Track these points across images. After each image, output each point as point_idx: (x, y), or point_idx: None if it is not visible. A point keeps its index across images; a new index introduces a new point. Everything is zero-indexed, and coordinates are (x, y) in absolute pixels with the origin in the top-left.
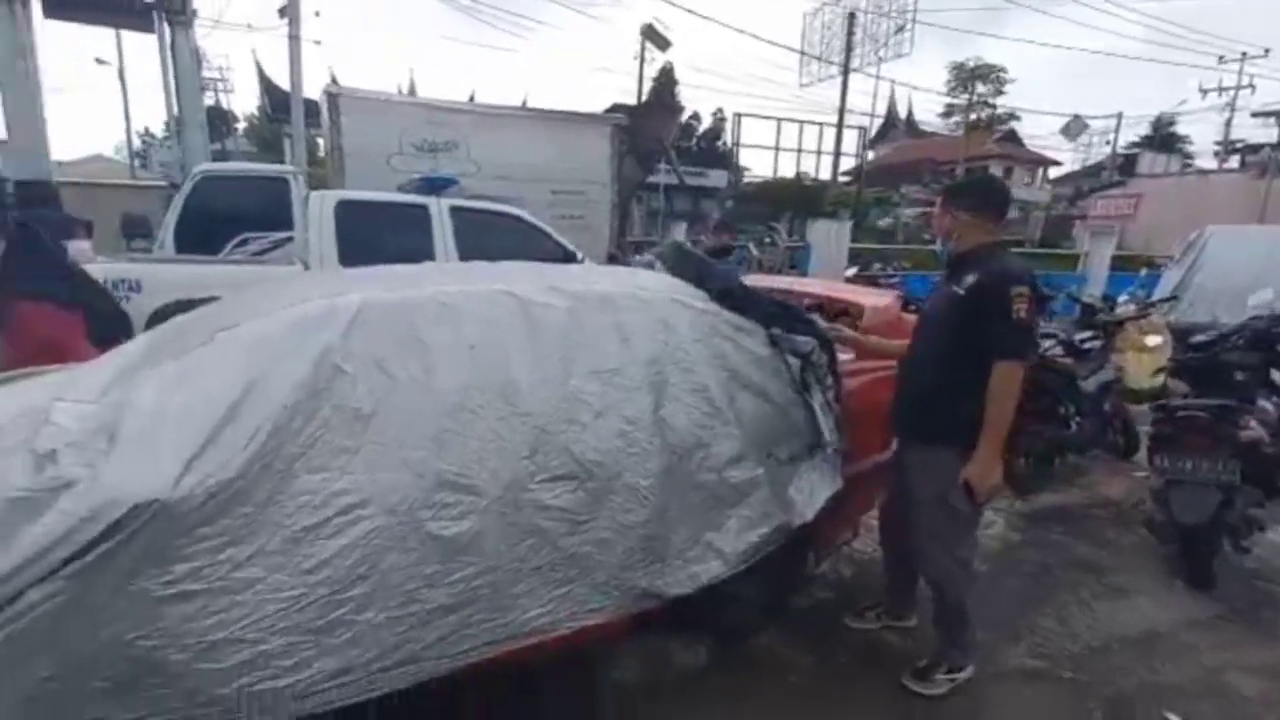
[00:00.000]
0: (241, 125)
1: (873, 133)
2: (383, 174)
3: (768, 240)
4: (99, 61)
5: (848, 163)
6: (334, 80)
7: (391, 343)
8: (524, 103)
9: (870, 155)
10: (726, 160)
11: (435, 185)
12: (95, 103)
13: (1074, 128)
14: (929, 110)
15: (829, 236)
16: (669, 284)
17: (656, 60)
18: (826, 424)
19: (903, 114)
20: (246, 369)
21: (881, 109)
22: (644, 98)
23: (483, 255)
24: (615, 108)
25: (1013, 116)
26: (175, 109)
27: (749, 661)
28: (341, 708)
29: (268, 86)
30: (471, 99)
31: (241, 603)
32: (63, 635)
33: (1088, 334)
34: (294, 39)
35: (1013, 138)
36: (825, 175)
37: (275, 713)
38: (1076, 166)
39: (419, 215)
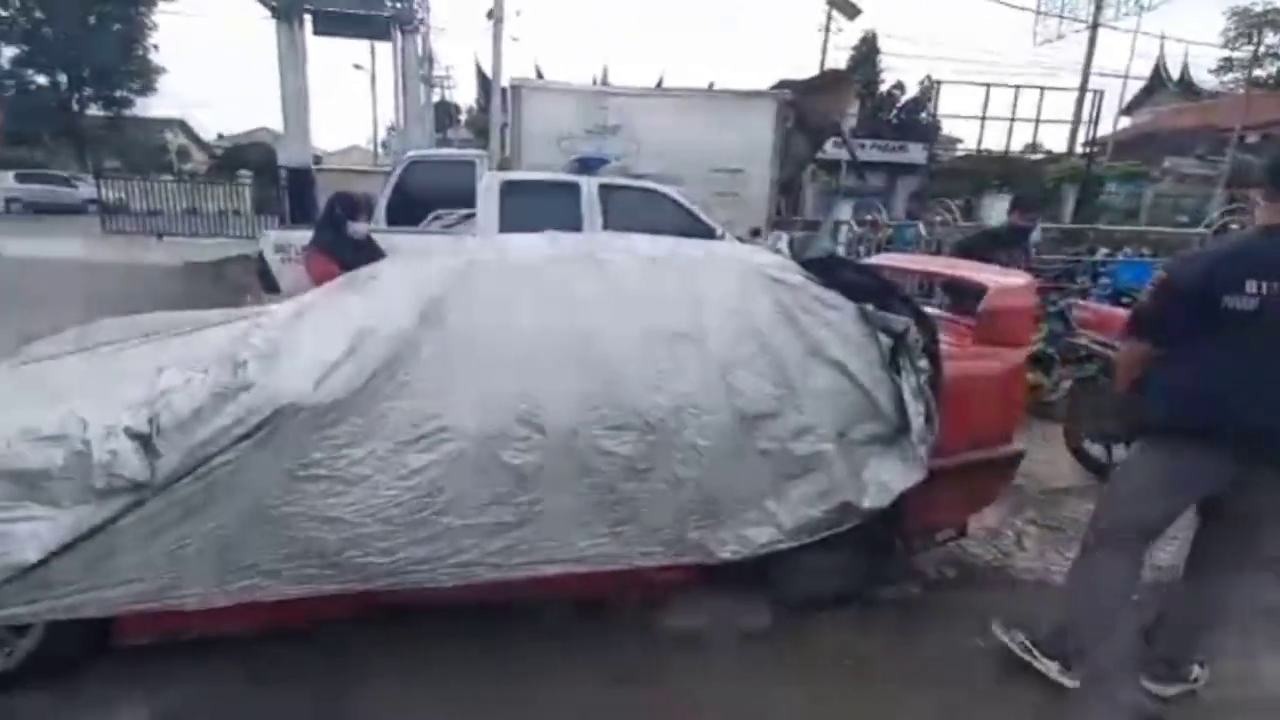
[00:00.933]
0: (464, 116)
1: (1128, 96)
2: (555, 155)
3: (939, 219)
4: (356, 67)
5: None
6: (539, 73)
7: (487, 298)
8: (711, 85)
9: (1126, 121)
10: (931, 132)
11: (588, 165)
12: (355, 101)
13: None
14: (1199, 66)
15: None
16: (759, 257)
17: (845, 30)
18: (914, 409)
19: (1174, 73)
20: (373, 312)
21: (1140, 67)
22: (826, 69)
23: (625, 228)
24: (782, 83)
25: None
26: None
27: (810, 635)
28: None
29: (483, 81)
30: (660, 84)
31: (353, 491)
32: (233, 493)
33: None
34: (497, 39)
35: None
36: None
37: (368, 580)
38: None
39: (571, 192)
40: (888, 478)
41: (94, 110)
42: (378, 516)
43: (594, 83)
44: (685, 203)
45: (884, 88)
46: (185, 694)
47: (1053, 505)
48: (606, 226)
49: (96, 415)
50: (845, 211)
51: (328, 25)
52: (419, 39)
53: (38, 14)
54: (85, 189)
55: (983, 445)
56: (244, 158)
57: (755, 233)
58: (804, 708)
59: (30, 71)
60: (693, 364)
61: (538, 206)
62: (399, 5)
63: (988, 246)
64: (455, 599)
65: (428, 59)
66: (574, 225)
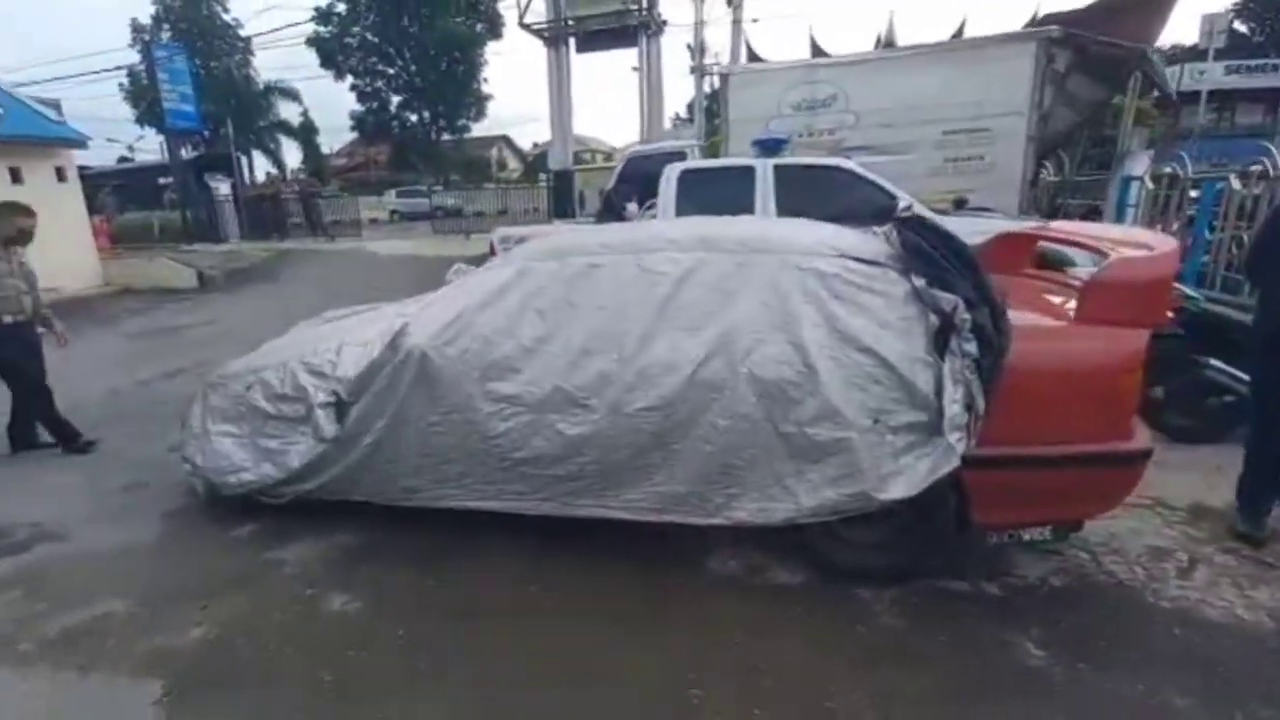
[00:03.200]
0: None
1: None
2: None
3: (1256, 165)
4: (634, 69)
5: None
6: (813, 43)
7: (554, 299)
8: (1034, 19)
9: None
10: None
11: (766, 147)
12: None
13: None
14: None
15: None
16: (809, 240)
17: None
18: (950, 395)
19: None
20: (469, 301)
21: None
22: None
23: (801, 208)
24: (1047, 19)
25: None
26: (647, 103)
27: (839, 599)
28: None
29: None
30: (959, 32)
31: (462, 430)
32: (388, 398)
33: None
34: (736, 23)
35: None
36: None
37: (484, 499)
38: None
39: (746, 176)
40: (920, 467)
41: (445, 136)
42: (476, 455)
43: (877, 43)
44: (868, 175)
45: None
46: (367, 531)
47: None
48: (781, 207)
49: (319, 381)
50: (1139, 165)
51: (587, 44)
52: (658, 42)
53: (413, 68)
54: (435, 199)
55: (1074, 439)
56: (548, 163)
57: (960, 204)
58: (755, 660)
59: (408, 112)
60: (715, 353)
61: (713, 192)
62: (643, 14)
63: None
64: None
65: (699, 50)
66: (747, 208)
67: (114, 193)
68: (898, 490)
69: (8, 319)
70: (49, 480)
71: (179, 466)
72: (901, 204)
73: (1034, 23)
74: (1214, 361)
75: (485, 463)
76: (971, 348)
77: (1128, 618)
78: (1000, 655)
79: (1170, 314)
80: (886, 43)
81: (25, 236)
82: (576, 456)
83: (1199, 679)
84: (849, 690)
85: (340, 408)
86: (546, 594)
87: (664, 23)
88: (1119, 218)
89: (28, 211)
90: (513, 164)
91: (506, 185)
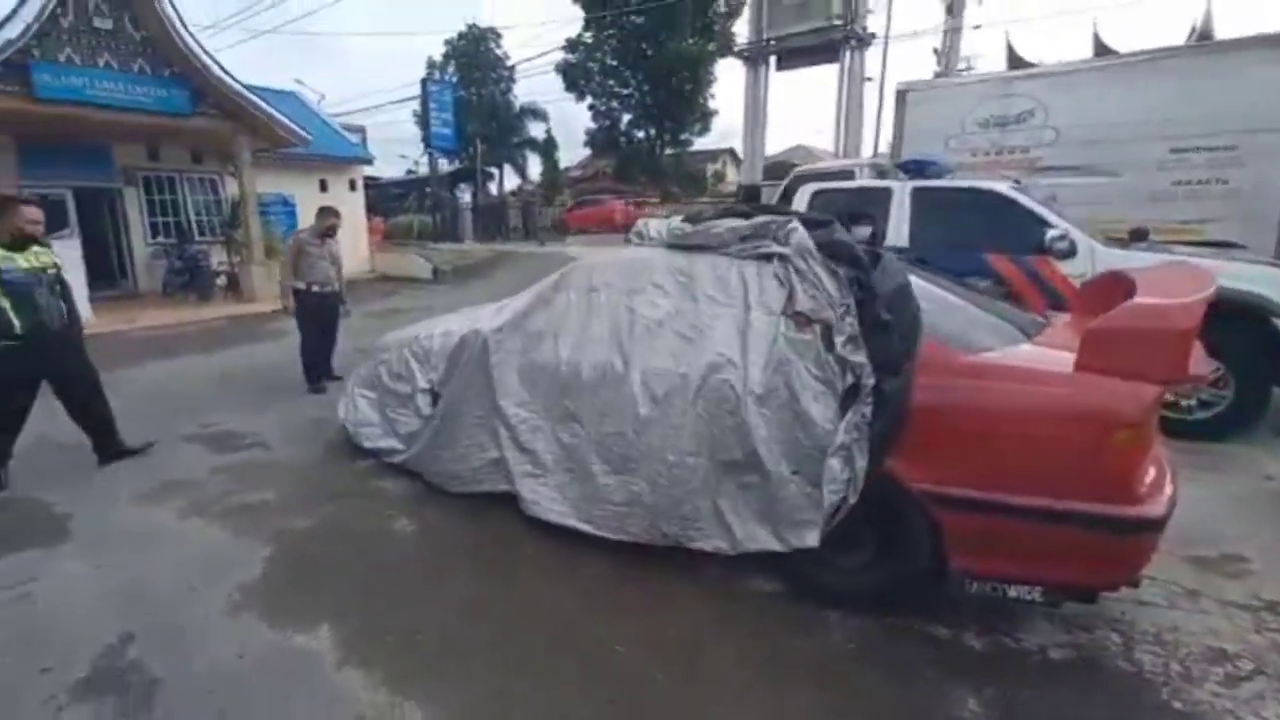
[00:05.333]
0: None
1: None
2: (940, 156)
3: None
4: (867, 79)
5: None
6: (1098, 45)
7: (561, 320)
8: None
9: None
10: None
11: (909, 168)
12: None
13: None
14: None
15: None
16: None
17: None
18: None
19: None
20: (509, 317)
21: None
22: None
23: (940, 234)
24: None
25: None
26: (845, 118)
27: (801, 615)
28: None
29: (1013, 64)
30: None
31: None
32: (462, 366)
33: None
34: (951, 31)
35: None
36: None
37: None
38: None
39: (882, 197)
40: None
41: (668, 151)
42: (508, 443)
43: (1191, 34)
44: (1021, 201)
45: None
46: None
47: None
48: (916, 232)
49: (418, 366)
50: None
51: (787, 61)
52: (862, 55)
53: (645, 88)
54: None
55: (1057, 493)
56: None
57: (1139, 235)
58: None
59: (635, 129)
60: (671, 394)
61: (842, 213)
62: (846, 28)
63: None
64: None
65: (945, 56)
66: (878, 231)
67: (399, 199)
68: (739, 546)
69: (315, 288)
70: (276, 408)
71: None
72: (1052, 233)
73: None
74: None
75: (521, 443)
76: (868, 410)
77: (1116, 708)
78: (929, 700)
79: (1200, 371)
80: (1202, 34)
81: (333, 231)
82: (569, 463)
83: None
84: (748, 683)
85: (434, 395)
86: (545, 555)
87: (872, 36)
88: None
89: (337, 213)
90: (732, 176)
91: (719, 198)
